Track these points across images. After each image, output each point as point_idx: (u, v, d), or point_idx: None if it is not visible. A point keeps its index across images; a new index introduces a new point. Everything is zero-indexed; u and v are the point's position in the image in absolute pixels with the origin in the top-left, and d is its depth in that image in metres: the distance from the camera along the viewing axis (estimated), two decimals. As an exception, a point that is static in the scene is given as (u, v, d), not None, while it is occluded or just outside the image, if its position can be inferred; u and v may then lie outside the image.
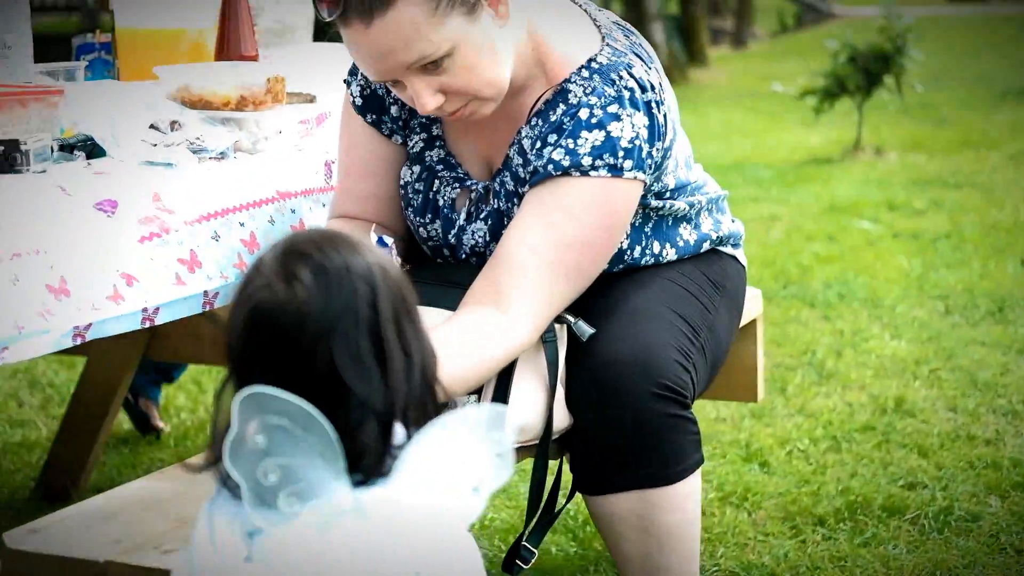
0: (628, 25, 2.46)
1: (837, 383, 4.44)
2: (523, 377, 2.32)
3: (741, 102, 13.05)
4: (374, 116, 2.50)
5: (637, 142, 2.30)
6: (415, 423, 1.68)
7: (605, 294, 2.46)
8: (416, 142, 2.50)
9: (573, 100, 2.32)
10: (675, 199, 2.52)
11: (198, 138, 2.48)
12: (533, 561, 2.43)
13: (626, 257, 2.50)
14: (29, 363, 4.81)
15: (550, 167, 2.30)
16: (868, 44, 8.91)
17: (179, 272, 2.27)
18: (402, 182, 2.51)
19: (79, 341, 2.11)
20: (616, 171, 2.29)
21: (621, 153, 2.29)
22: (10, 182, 2.23)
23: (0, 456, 4.04)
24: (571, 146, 2.29)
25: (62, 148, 2.40)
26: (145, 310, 2.20)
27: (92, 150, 2.44)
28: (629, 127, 2.29)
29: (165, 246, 2.28)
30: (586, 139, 2.29)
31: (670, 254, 2.55)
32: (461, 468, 1.65)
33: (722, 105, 12.92)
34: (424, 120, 2.48)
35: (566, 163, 2.29)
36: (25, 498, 3.73)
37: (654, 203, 2.47)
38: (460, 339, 2.23)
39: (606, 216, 2.31)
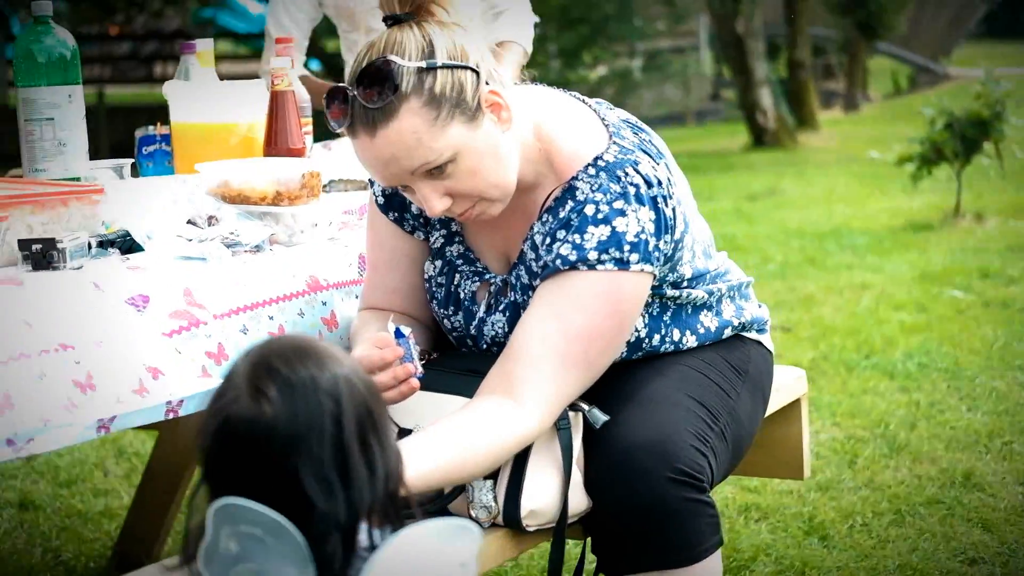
0: (638, 122, 2.52)
1: (908, 455, 4.44)
2: (537, 463, 2.38)
3: (846, 167, 13.01)
4: (396, 214, 2.59)
5: (643, 236, 2.36)
6: (379, 526, 1.75)
7: (624, 381, 2.51)
8: (437, 238, 2.59)
9: (580, 197, 2.39)
10: (693, 288, 2.57)
11: (232, 232, 2.58)
12: None
13: (645, 345, 2.55)
14: (117, 433, 4.96)
15: (558, 262, 2.37)
16: (965, 110, 8.87)
17: (206, 365, 2.36)
18: (426, 276, 2.60)
19: (103, 433, 2.20)
20: (622, 264, 2.35)
21: (627, 247, 2.36)
22: (47, 279, 2.33)
23: (81, 525, 4.17)
24: (578, 241, 2.36)
25: (100, 244, 2.51)
26: (169, 403, 2.29)
27: (130, 246, 2.55)
28: (635, 222, 2.36)
29: (193, 339, 2.37)
30: (592, 234, 2.36)
31: (691, 341, 2.60)
32: (424, 574, 1.71)
33: (827, 170, 12.89)
34: (442, 218, 2.56)
35: (573, 257, 2.36)
36: (101, 567, 3.85)
37: (670, 292, 2.53)
38: (472, 426, 2.30)
39: (614, 307, 2.37)
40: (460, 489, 2.39)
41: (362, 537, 1.74)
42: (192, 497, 1.76)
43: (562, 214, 2.40)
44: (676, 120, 20.15)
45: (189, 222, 2.61)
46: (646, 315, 2.53)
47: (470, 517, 2.40)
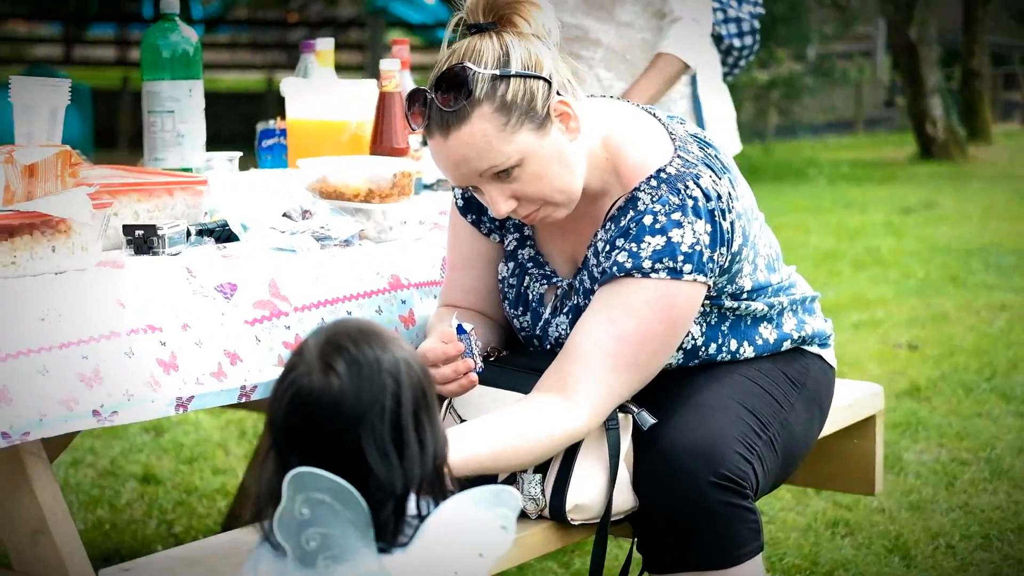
0: (707, 138, 2.63)
1: (1008, 481, 4.45)
2: (585, 460, 2.51)
3: (1011, 183, 12.83)
4: (474, 216, 2.74)
5: (698, 247, 2.48)
6: (425, 498, 1.92)
7: (679, 386, 2.63)
8: (510, 241, 2.73)
9: (641, 207, 2.52)
10: (753, 300, 2.68)
11: (322, 227, 2.75)
12: None
13: (701, 353, 2.66)
14: (243, 414, 5.19)
15: (615, 268, 2.50)
16: None
17: (282, 355, 2.53)
18: (500, 276, 2.74)
19: (181, 411, 2.38)
20: (676, 274, 2.47)
21: (681, 257, 2.47)
22: (145, 263, 2.52)
23: (197, 500, 4.39)
24: (634, 249, 2.48)
25: (200, 232, 2.69)
26: (244, 387, 2.46)
27: (228, 236, 2.72)
28: (690, 233, 2.47)
29: (273, 329, 2.54)
30: (648, 243, 2.48)
31: (748, 351, 2.71)
32: (469, 538, 1.90)
33: (990, 185, 12.73)
34: (517, 221, 2.70)
35: (628, 265, 2.49)
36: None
37: (728, 304, 2.64)
38: (525, 419, 2.44)
39: (665, 314, 2.49)
40: (511, 480, 2.53)
41: (411, 506, 1.90)
42: (259, 462, 1.94)
43: (623, 223, 2.53)
44: (845, 127, 19.99)
45: (284, 215, 2.78)
46: (703, 324, 2.65)
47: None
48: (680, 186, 2.50)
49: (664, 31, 4.06)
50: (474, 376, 2.52)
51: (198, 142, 3.16)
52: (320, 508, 1.85)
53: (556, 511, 2.52)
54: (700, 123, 4.25)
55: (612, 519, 2.56)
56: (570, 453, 2.51)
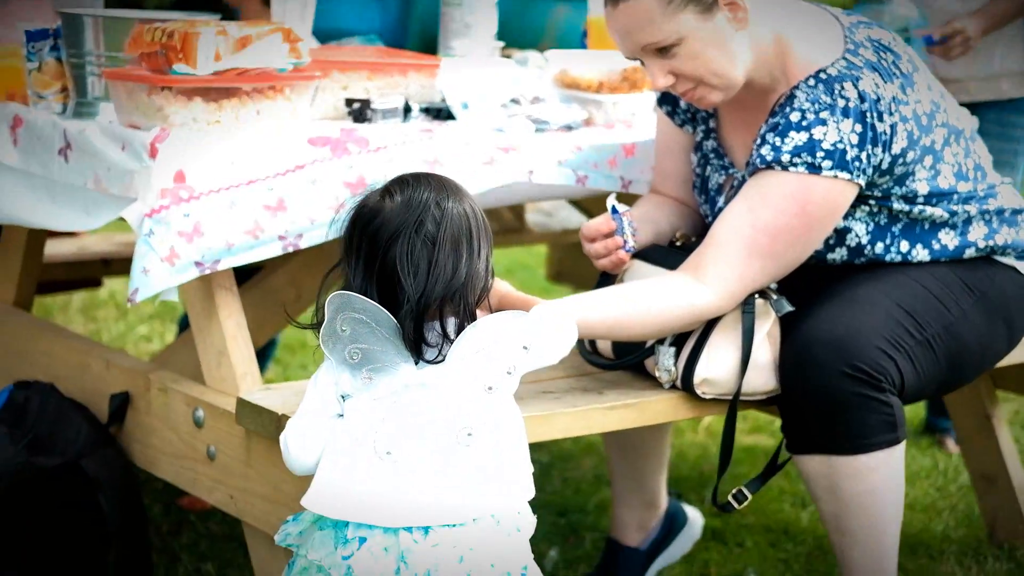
0: (891, 43, 2.63)
1: None
2: (719, 339, 2.62)
3: None
4: (669, 107, 2.87)
5: (841, 145, 2.52)
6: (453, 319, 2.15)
7: (839, 281, 2.69)
8: (698, 132, 2.84)
9: (796, 104, 2.57)
10: (930, 205, 2.68)
11: (539, 115, 2.95)
12: (745, 504, 2.72)
13: (867, 251, 2.70)
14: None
15: (758, 160, 2.58)
16: None
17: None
18: (692, 166, 2.87)
19: (290, 249, 2.62)
20: (814, 169, 2.53)
21: (820, 154, 2.52)
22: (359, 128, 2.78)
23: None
24: (778, 144, 2.55)
25: (426, 111, 2.96)
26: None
27: (448, 114, 2.96)
28: (834, 132, 2.52)
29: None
30: (792, 139, 2.54)
31: (922, 255, 2.71)
32: (499, 356, 2.14)
33: None
34: (704, 114, 2.81)
35: (770, 158, 2.56)
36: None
37: (899, 206, 2.65)
38: (650, 291, 2.58)
39: (800, 208, 2.55)
40: (650, 351, 2.68)
41: (450, 330, 2.14)
42: (326, 275, 2.22)
43: (778, 118, 2.60)
44: None
45: (513, 100, 3.01)
46: (870, 223, 2.68)
47: (654, 377, 2.70)
48: (837, 86, 2.55)
49: None
50: (623, 253, 2.68)
51: (486, 34, 3.41)
52: (359, 326, 2.12)
53: (686, 383, 2.64)
54: None
55: (757, 398, 2.67)
56: (706, 330, 2.63)
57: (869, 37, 2.65)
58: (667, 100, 2.87)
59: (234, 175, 2.58)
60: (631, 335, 2.61)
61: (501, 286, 2.49)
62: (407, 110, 2.92)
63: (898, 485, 2.65)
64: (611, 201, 2.70)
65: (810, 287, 2.70)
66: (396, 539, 2.09)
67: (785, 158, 2.55)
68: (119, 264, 4.04)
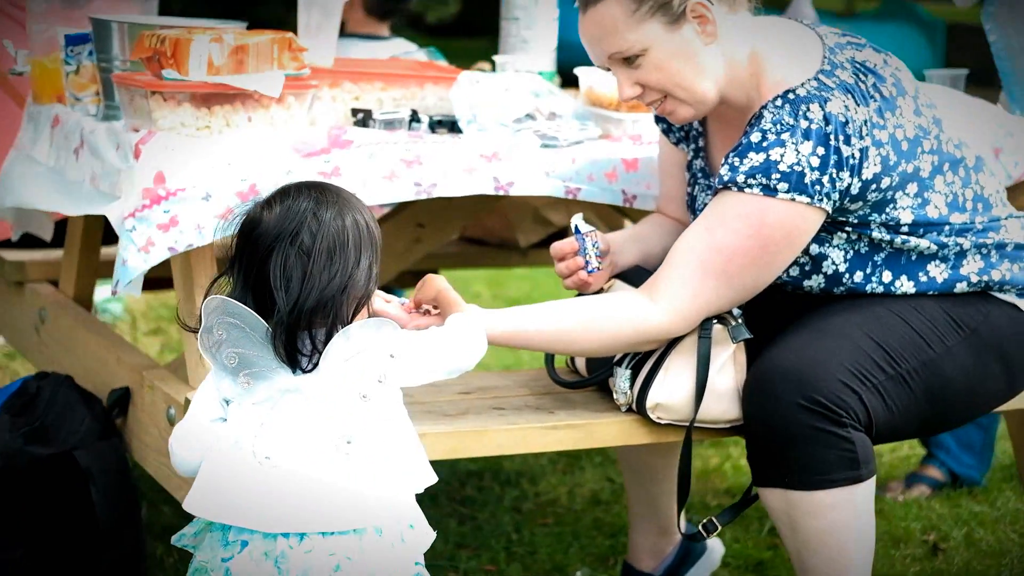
0: (875, 67, 2.54)
1: None
2: (675, 363, 2.57)
3: None
4: (664, 125, 2.82)
5: (799, 168, 2.43)
6: (323, 327, 2.15)
7: (814, 311, 2.60)
8: (690, 151, 2.78)
9: (760, 124, 2.50)
10: (915, 235, 2.57)
11: (546, 131, 2.92)
12: (715, 534, 2.66)
13: (845, 280, 2.60)
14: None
15: (717, 181, 2.52)
16: None
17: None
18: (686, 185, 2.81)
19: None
20: (769, 191, 2.45)
21: (776, 175, 2.44)
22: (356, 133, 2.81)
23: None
24: (736, 164, 2.49)
25: (439, 123, 2.96)
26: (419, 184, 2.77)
27: (453, 127, 2.95)
28: (792, 154, 2.44)
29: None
30: (750, 159, 2.47)
31: (907, 287, 2.60)
32: (367, 365, 2.14)
33: None
34: (695, 133, 2.75)
35: (727, 178, 2.50)
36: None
37: (880, 235, 2.55)
38: (598, 307, 2.55)
39: (756, 230, 2.47)
40: (609, 372, 2.63)
41: (319, 341, 2.14)
42: (212, 283, 2.26)
43: (743, 137, 2.53)
44: None
45: (528, 115, 3.00)
46: (849, 251, 2.59)
47: (612, 399, 2.66)
48: (803, 107, 2.48)
49: None
50: (583, 274, 2.64)
51: (546, 48, 3.40)
52: (233, 330, 2.14)
53: (639, 406, 2.60)
54: None
55: (719, 427, 2.60)
56: (663, 354, 2.57)
57: (853, 59, 2.55)
58: (663, 118, 2.82)
59: (213, 178, 2.64)
60: (576, 350, 2.57)
61: (439, 283, 2.47)
62: (414, 121, 2.93)
63: (865, 524, 2.54)
64: (575, 220, 2.68)
65: (785, 316, 2.62)
66: (275, 544, 2.11)
67: (740, 179, 2.48)
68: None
